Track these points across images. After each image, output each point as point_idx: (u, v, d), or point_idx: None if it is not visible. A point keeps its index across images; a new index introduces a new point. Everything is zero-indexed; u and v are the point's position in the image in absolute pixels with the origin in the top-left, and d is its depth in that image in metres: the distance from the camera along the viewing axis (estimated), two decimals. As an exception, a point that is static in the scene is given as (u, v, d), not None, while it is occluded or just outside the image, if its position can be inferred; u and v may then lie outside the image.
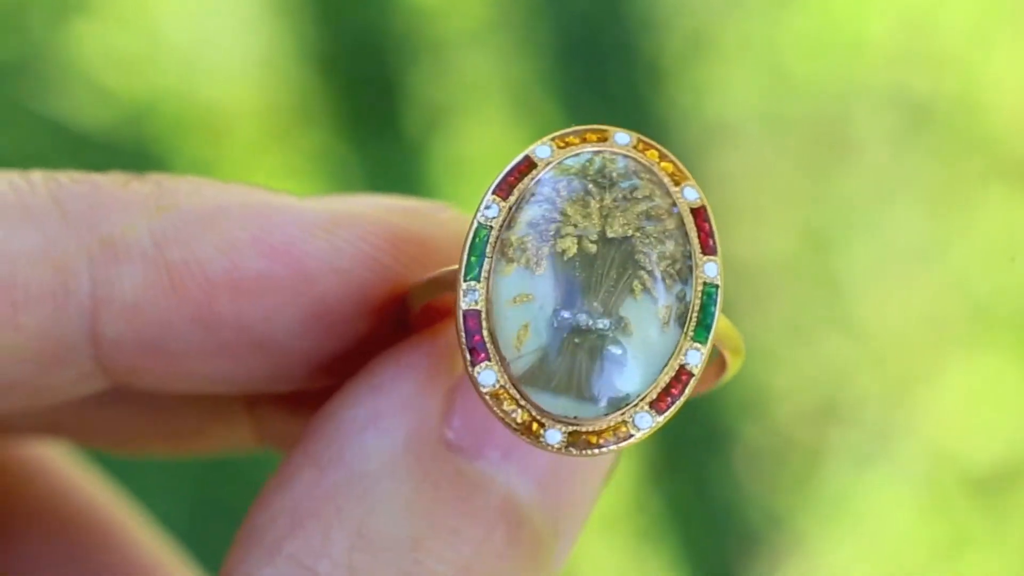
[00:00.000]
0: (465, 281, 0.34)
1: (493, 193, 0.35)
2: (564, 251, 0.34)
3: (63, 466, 0.48)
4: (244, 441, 0.46)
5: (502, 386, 0.34)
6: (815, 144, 1.33)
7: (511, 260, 0.34)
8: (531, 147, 0.35)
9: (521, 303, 0.34)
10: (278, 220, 0.36)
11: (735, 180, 1.33)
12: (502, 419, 0.34)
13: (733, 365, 0.38)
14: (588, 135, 0.35)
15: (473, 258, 0.34)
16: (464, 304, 0.34)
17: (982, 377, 1.27)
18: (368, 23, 1.35)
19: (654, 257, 0.34)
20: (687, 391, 0.34)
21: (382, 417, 0.35)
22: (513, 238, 0.34)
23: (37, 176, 0.35)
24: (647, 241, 0.34)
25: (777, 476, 1.25)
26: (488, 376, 0.34)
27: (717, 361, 0.38)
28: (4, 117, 1.27)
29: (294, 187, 1.26)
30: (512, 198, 0.34)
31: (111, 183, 0.36)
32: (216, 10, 1.30)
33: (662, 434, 1.14)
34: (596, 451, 0.34)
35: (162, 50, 1.29)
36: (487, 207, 0.34)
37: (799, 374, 1.27)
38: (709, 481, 1.25)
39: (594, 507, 0.39)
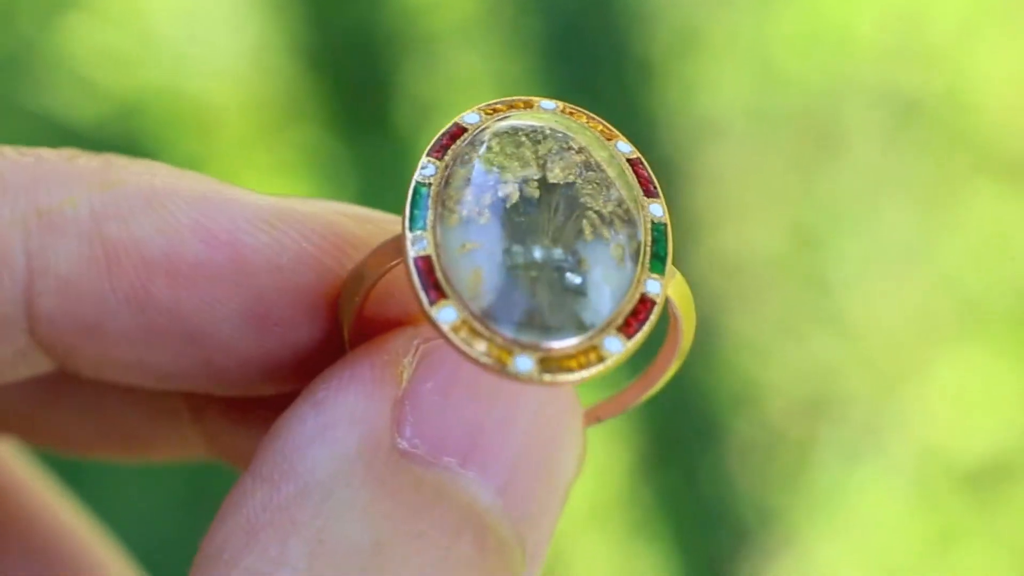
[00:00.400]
0: (411, 232, 0.33)
1: (427, 155, 0.34)
2: (507, 197, 0.33)
3: (16, 467, 0.47)
4: (192, 450, 0.45)
5: (464, 320, 0.33)
6: (804, 140, 1.34)
7: (452, 211, 0.33)
8: (460, 116, 0.35)
9: (470, 249, 0.33)
10: (222, 208, 0.35)
11: (724, 176, 1.33)
12: (466, 354, 0.33)
13: (687, 328, 0.37)
14: (515, 103, 0.35)
15: (416, 211, 0.33)
16: (413, 252, 0.33)
17: (971, 373, 1.28)
18: (358, 19, 1.35)
19: (600, 200, 0.34)
20: (652, 317, 0.33)
21: (329, 429, 0.34)
22: (452, 192, 0.34)
23: None
24: (589, 187, 0.34)
25: (768, 471, 1.25)
26: (448, 313, 0.33)
27: (671, 333, 0.38)
28: (-6, 112, 1.27)
29: (284, 182, 1.26)
30: (447, 158, 0.34)
31: (57, 157, 0.35)
32: (206, 6, 1.30)
33: (653, 428, 1.14)
34: (571, 376, 0.33)
35: (152, 46, 1.29)
36: (423, 167, 0.34)
37: (789, 370, 1.27)
38: (700, 476, 1.25)
39: (559, 517, 0.37)
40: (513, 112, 0.35)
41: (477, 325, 0.33)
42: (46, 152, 0.36)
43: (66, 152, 0.36)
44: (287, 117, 1.29)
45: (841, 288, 1.30)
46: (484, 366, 0.32)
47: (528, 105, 0.36)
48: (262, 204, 0.36)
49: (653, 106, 1.34)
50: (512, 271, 0.33)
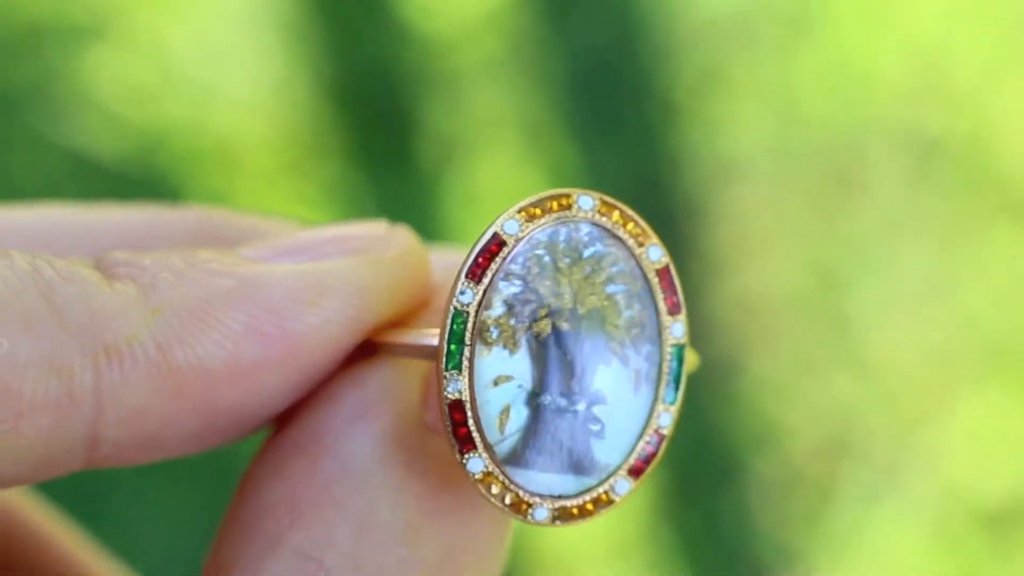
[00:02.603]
0: (447, 370, 0.35)
1: (466, 277, 0.35)
2: (539, 333, 0.35)
3: (27, 510, 0.48)
4: None
5: (490, 472, 0.35)
6: (826, 180, 1.34)
7: (489, 344, 0.35)
8: (499, 221, 0.35)
9: (501, 384, 0.35)
10: (263, 300, 0.36)
11: (746, 215, 1.33)
12: (491, 501, 0.35)
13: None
14: (552, 204, 0.36)
15: (453, 347, 0.35)
16: (449, 394, 0.35)
17: (992, 413, 1.27)
18: (381, 55, 1.35)
19: (622, 324, 0.36)
20: (660, 453, 0.36)
21: (369, 407, 0.36)
22: (490, 320, 0.35)
23: (20, 262, 0.35)
24: (615, 309, 0.36)
25: (788, 510, 1.25)
26: (476, 464, 0.35)
27: None
28: (18, 144, 1.27)
29: (307, 217, 1.26)
30: (485, 280, 0.35)
31: (97, 283, 0.35)
32: (230, 41, 1.30)
33: (674, 466, 1.13)
34: (581, 522, 0.36)
35: (176, 80, 1.30)
36: (461, 292, 0.35)
37: (810, 409, 1.27)
38: (720, 514, 1.25)
39: None
40: (550, 216, 0.36)
41: (500, 476, 0.35)
42: (85, 274, 0.35)
43: (95, 274, 0.35)
44: (310, 152, 1.29)
45: (862, 328, 1.30)
46: (505, 512, 0.35)
47: (565, 204, 0.36)
48: (297, 278, 0.37)
49: (676, 145, 1.35)
50: (538, 412, 0.35)
